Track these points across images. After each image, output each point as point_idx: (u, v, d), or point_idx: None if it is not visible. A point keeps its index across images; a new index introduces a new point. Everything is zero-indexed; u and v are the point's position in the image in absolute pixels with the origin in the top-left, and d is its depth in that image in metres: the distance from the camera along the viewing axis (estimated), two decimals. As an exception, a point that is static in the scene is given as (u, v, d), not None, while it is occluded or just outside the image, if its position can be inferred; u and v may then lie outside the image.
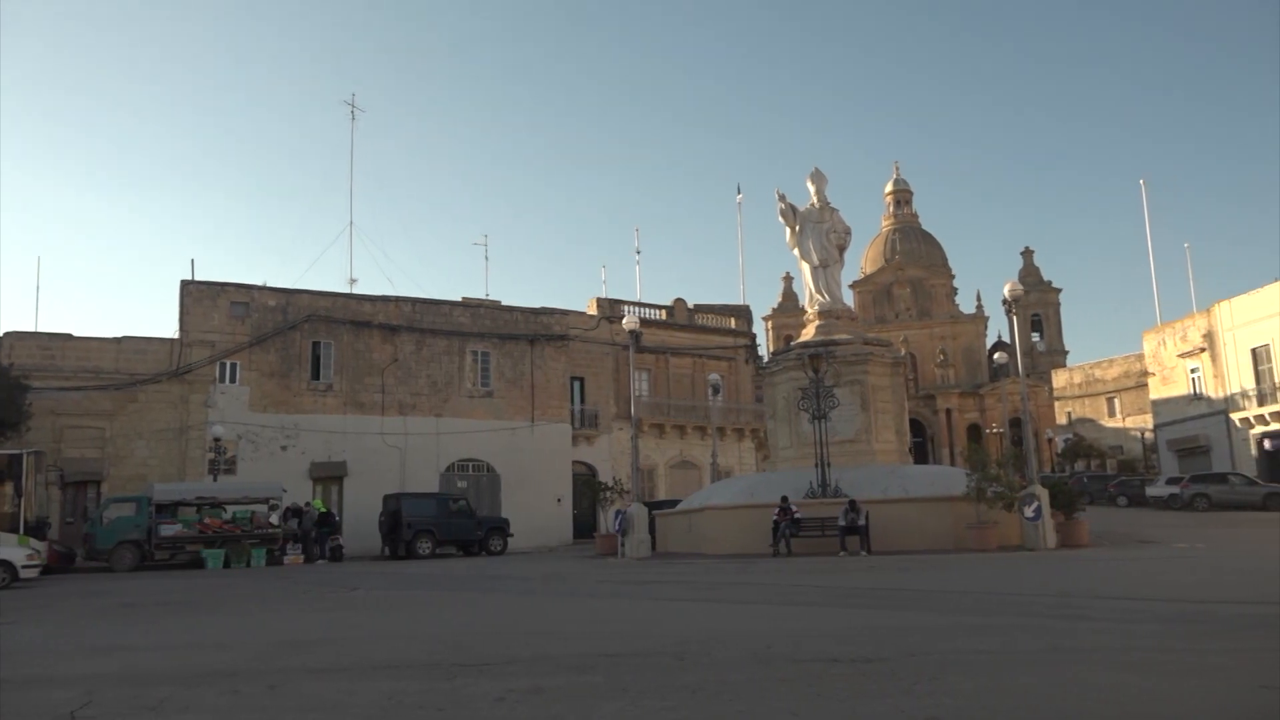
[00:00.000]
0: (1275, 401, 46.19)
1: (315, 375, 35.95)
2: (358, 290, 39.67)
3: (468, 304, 40.68)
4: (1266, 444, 47.23)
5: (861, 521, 22.38)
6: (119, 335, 34.06)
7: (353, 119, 46.73)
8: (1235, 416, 48.56)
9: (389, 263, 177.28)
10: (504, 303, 41.87)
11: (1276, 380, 46.39)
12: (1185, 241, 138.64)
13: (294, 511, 30.30)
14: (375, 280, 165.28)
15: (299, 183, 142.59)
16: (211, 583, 21.43)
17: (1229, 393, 49.14)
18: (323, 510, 31.49)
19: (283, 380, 35.28)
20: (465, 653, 8.68)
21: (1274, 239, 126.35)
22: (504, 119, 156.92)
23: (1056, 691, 6.17)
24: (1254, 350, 47.75)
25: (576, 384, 41.63)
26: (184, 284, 34.83)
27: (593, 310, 43.77)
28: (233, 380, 34.57)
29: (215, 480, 31.34)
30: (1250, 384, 47.85)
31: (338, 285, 42.69)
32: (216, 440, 31.89)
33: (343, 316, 36.79)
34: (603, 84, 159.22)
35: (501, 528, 32.99)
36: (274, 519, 29.78)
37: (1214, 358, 50.47)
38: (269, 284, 36.45)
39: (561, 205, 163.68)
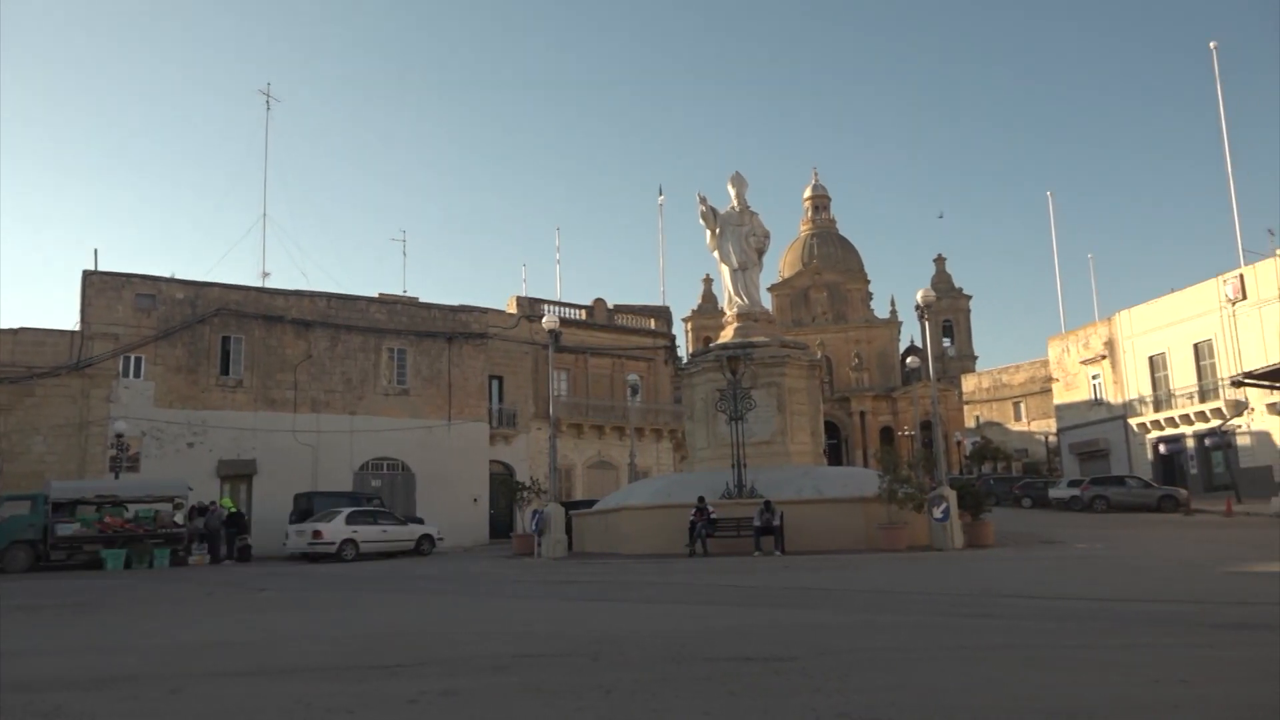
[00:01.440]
0: (1170, 408, 48.17)
1: (225, 370, 35.00)
2: (270, 284, 38.79)
3: (385, 300, 40.08)
4: (1161, 448, 49.25)
5: (776, 522, 22.65)
6: (15, 327, 32.68)
7: (268, 108, 45.54)
8: (1133, 421, 50.49)
9: (304, 257, 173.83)
10: (422, 300, 41.36)
11: (1172, 387, 48.36)
12: (1089, 252, 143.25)
13: (199, 510, 29.46)
14: (289, 275, 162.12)
15: (210, 173, 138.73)
16: (111, 584, 20.69)
17: (1128, 399, 51.09)
18: (232, 510, 30.69)
19: (190, 375, 34.26)
20: (377, 654, 8.54)
21: (1172, 251, 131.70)
22: (425, 113, 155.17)
23: (963, 688, 6.33)
24: (1151, 358, 49.76)
25: (495, 383, 41.34)
26: (86, 274, 33.57)
27: (512, 309, 43.51)
28: (137, 375, 33.44)
29: (117, 478, 30.23)
30: (1147, 390, 49.83)
31: (250, 279, 41.53)
32: (119, 436, 30.81)
33: (254, 311, 35.89)
34: (525, 82, 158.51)
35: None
36: (179, 518, 28.92)
37: (1114, 365, 52.41)
38: (177, 276, 35.37)
39: (482, 203, 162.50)
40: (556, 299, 46.52)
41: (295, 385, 35.96)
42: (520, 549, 29.24)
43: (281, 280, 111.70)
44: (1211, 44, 47.45)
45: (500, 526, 38.26)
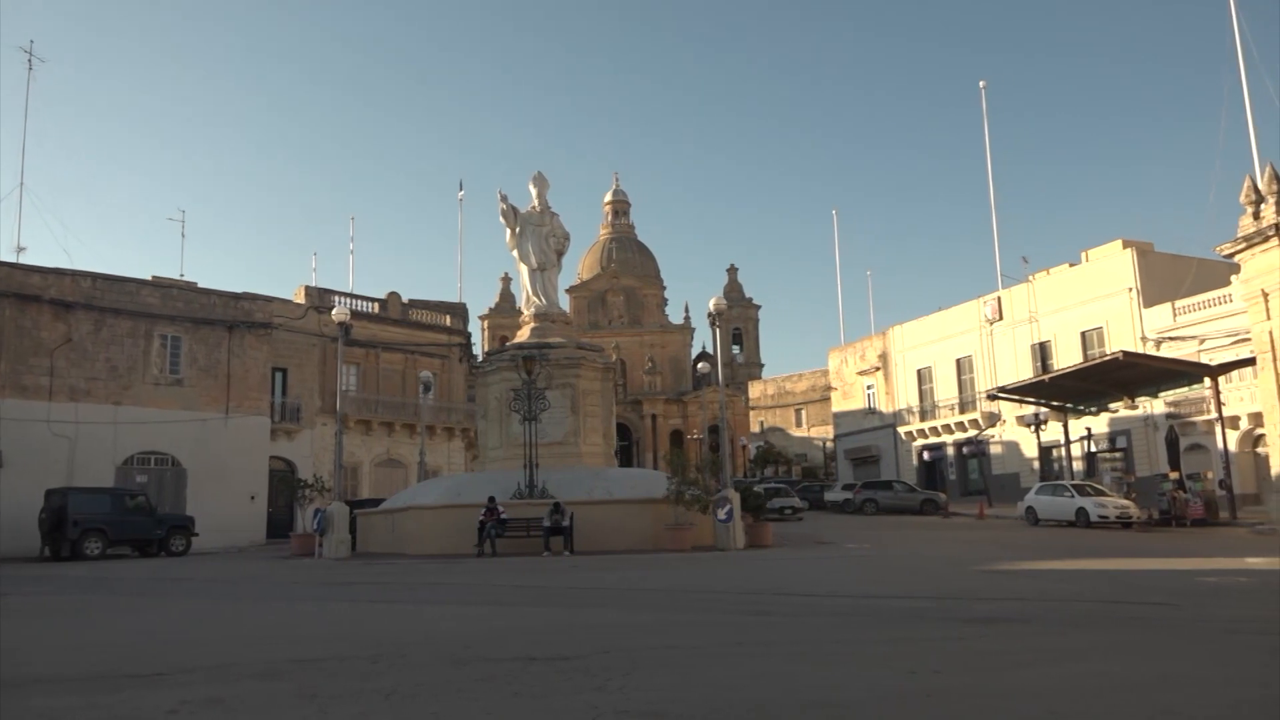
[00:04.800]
0: (934, 418, 51.91)
1: (-33, 353, 31.71)
2: (26, 260, 35.43)
3: (159, 283, 37.47)
4: (925, 455, 53.01)
5: (566, 522, 22.77)
6: None
7: (30, 68, 41.64)
8: (901, 430, 54.08)
9: (67, 234, 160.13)
10: (201, 285, 38.97)
11: (936, 399, 52.12)
12: (868, 269, 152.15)
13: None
14: (49, 251, 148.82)
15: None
16: None
17: (897, 408, 54.66)
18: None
19: (-75, 357, 30.84)
20: (137, 662, 7.96)
21: (941, 272, 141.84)
22: (211, 87, 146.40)
23: (740, 683, 6.56)
24: (919, 371, 53.47)
25: (279, 375, 39.51)
26: None
27: (300, 299, 41.75)
28: None
29: None
30: (915, 401, 53.49)
31: (2, 253, 37.90)
32: None
33: (6, 288, 32.67)
34: (323, 63, 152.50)
35: (185, 526, 30.62)
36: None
37: (886, 376, 55.94)
38: (-87, 246, 31.80)
39: (270, 185, 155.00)
40: (349, 291, 45.08)
41: (52, 371, 33.03)
42: (300, 549, 28.11)
43: (39, 256, 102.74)
44: (981, 83, 51.59)
45: (279, 526, 36.57)
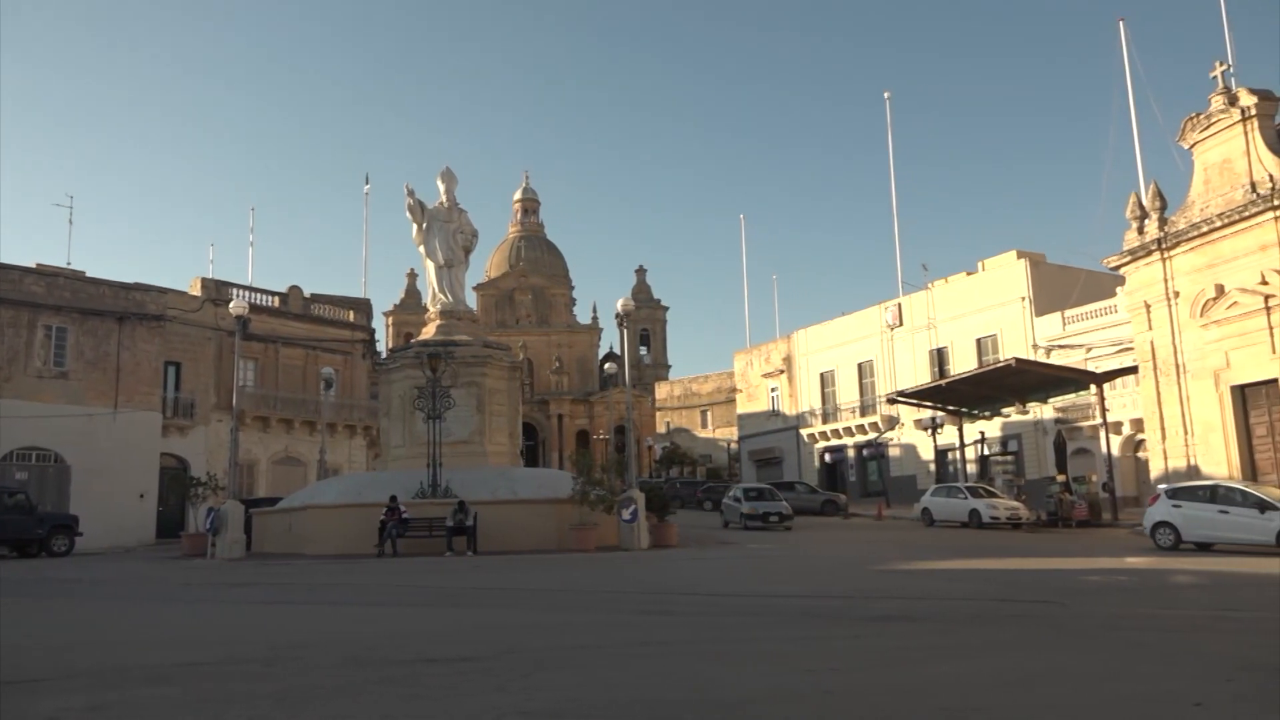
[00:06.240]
0: (836, 420, 52.94)
1: None
2: (-104, 244, 33.58)
3: (43, 272, 35.85)
4: (827, 457, 54.06)
5: (469, 522, 22.56)
6: None
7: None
8: (804, 432, 55.02)
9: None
10: (89, 274, 37.41)
11: (838, 402, 53.19)
12: (774, 274, 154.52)
13: None
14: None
15: None
16: None
17: (800, 410, 55.59)
18: None
19: None
20: (12, 668, 7.58)
21: (845, 278, 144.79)
22: (102, 66, 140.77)
23: (642, 682, 6.58)
24: (822, 374, 54.50)
25: (172, 369, 38.18)
26: None
27: (196, 291, 40.45)
28: None
29: None
30: (818, 404, 54.48)
31: None
32: None
33: (-126, 273, 30.93)
34: (222, 49, 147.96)
35: (68, 526, 29.35)
36: None
37: (790, 379, 56.85)
38: None
39: (165, 172, 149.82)
40: (248, 283, 43.83)
41: (-76, 362, 31.36)
42: (191, 549, 27.30)
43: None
44: (885, 94, 52.88)
45: (170, 526, 35.36)
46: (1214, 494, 21.03)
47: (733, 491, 36.27)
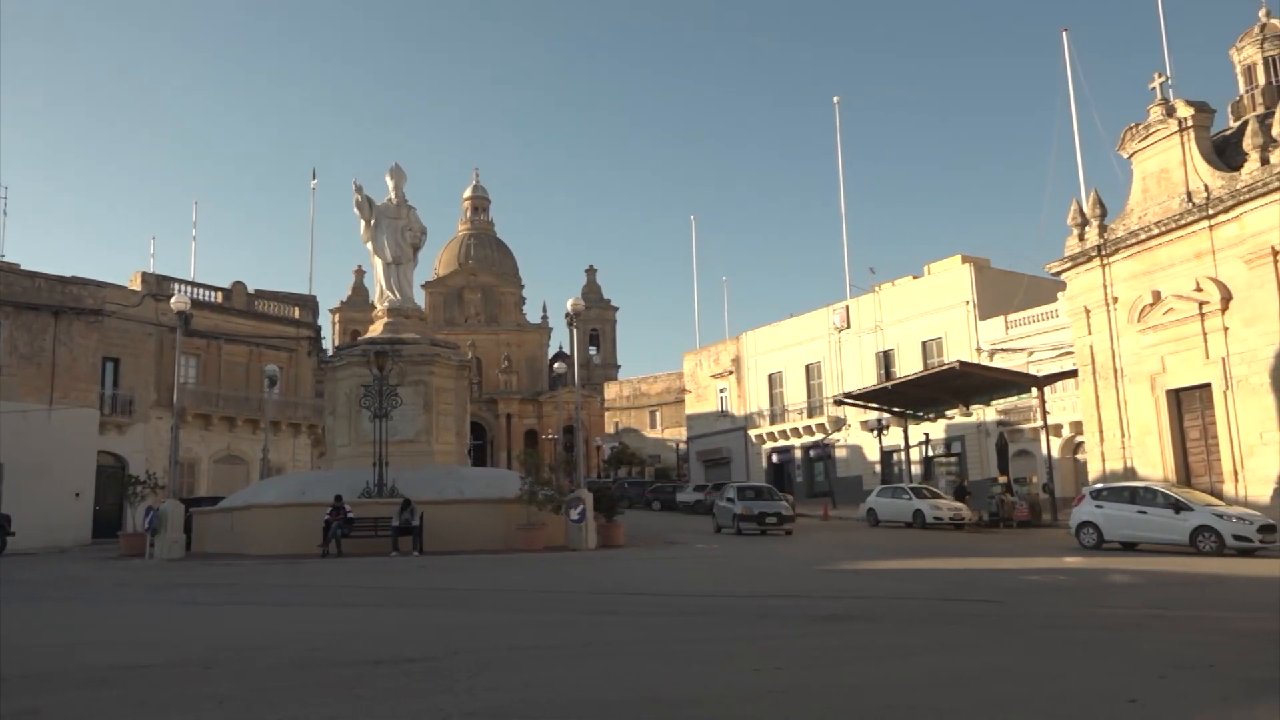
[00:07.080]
0: (784, 421, 53.35)
1: None
2: None
3: (-24, 264, 34.88)
4: (774, 457, 54.43)
5: (415, 522, 22.38)
6: None
7: None
8: (752, 432, 55.36)
9: None
10: (24, 267, 36.43)
11: (785, 403, 53.60)
12: (724, 276, 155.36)
13: None
14: None
15: None
16: None
17: (749, 411, 55.93)
18: None
19: None
20: (-61, 671, 7.36)
21: (794, 280, 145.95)
22: (38, 53, 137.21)
23: (590, 682, 6.58)
24: (770, 375, 54.87)
25: (110, 365, 37.32)
26: None
27: (136, 285, 39.57)
28: None
29: None
30: (766, 405, 54.84)
31: None
32: None
33: None
34: (168, 35, 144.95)
35: (1, 525, 28.61)
36: None
37: (739, 380, 57.16)
38: None
39: (106, 164, 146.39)
40: (190, 279, 43.01)
41: None
42: (129, 549, 26.74)
43: None
44: (835, 99, 53.38)
45: (107, 525, 34.58)
46: (1134, 495, 21.75)
47: (726, 492, 33.05)
